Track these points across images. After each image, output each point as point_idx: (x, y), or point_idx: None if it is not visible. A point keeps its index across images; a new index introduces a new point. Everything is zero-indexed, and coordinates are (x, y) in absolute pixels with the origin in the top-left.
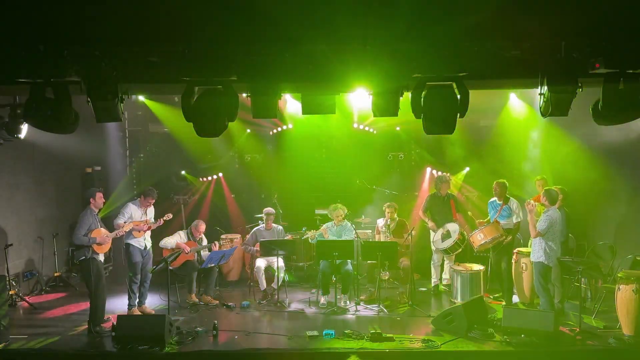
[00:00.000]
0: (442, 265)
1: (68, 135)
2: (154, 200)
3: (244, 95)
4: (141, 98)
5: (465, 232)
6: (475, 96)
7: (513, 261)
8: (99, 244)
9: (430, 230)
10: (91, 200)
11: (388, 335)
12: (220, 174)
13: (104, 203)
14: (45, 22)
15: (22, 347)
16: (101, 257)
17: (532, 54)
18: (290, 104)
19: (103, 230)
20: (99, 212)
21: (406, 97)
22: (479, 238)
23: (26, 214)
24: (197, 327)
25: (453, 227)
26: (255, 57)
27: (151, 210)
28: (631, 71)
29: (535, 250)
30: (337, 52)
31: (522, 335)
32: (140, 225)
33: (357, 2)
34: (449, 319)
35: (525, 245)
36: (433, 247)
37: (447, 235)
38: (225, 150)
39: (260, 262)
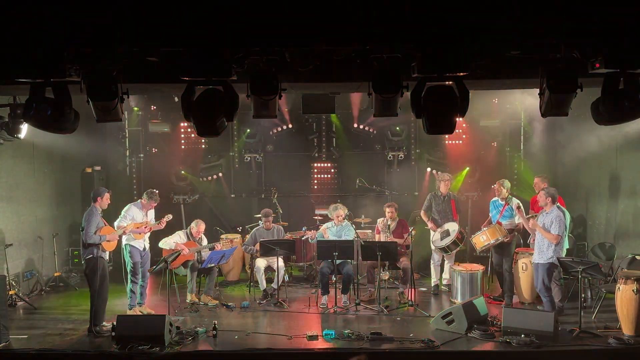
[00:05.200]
0: (442, 265)
1: (68, 135)
2: (156, 204)
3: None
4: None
5: (464, 232)
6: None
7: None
8: (108, 241)
9: (430, 230)
10: (98, 199)
11: (388, 335)
12: (220, 174)
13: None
14: (45, 22)
15: (22, 347)
16: (106, 256)
17: (532, 54)
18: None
19: (110, 227)
20: (101, 212)
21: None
22: (481, 240)
23: (26, 214)
24: (197, 327)
25: (452, 226)
26: (255, 57)
27: (151, 212)
28: (631, 71)
29: (544, 251)
30: (337, 52)
31: (522, 335)
32: (142, 228)
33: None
34: (449, 319)
35: (526, 246)
36: (432, 247)
37: (446, 234)
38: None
39: (260, 262)
